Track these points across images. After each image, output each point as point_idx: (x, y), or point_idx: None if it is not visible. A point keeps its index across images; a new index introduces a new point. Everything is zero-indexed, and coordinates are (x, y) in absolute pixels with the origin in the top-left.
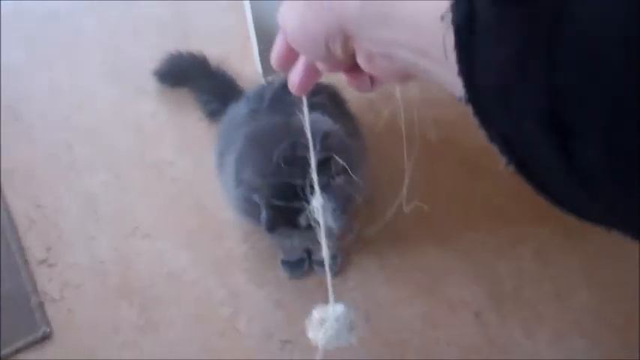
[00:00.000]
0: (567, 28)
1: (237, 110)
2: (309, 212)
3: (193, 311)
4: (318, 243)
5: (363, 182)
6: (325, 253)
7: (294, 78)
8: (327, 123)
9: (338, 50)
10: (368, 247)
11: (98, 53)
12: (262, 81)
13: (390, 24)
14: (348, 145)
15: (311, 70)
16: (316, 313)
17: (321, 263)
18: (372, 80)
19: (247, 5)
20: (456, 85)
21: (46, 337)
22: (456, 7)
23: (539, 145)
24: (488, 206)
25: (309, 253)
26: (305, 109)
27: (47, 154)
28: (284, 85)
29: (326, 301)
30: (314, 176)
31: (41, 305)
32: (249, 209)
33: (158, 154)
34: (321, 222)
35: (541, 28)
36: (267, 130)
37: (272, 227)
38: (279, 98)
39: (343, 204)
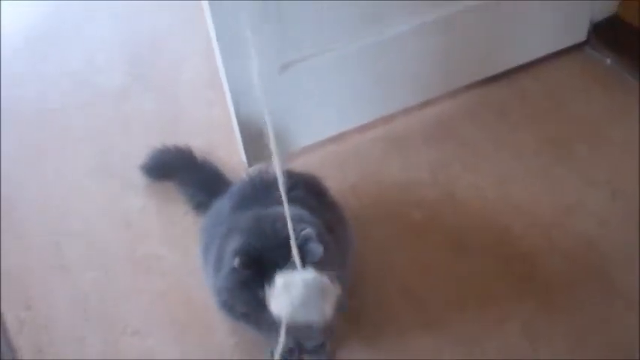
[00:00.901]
0: None
1: (221, 206)
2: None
3: None
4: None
5: (347, 270)
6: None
7: None
8: (304, 216)
9: None
10: (357, 332)
11: (87, 150)
12: (247, 170)
13: None
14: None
15: None
16: (280, 278)
17: (311, 351)
18: None
19: (229, 99)
20: None
21: None
22: None
23: None
24: (474, 285)
25: (298, 342)
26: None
27: (37, 254)
28: (264, 180)
29: None
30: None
31: None
32: (229, 301)
33: (147, 249)
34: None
35: None
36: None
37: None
38: (260, 193)
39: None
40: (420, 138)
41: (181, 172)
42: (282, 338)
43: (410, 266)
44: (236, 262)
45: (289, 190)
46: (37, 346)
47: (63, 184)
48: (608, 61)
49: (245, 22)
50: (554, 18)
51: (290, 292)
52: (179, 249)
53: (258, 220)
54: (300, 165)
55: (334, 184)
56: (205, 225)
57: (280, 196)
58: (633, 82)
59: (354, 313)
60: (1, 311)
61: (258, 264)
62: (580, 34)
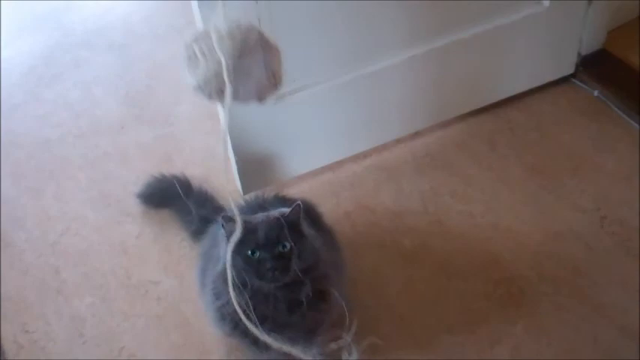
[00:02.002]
0: None
1: (217, 231)
2: None
3: None
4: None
5: (341, 293)
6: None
7: None
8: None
9: None
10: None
11: (85, 179)
12: (242, 199)
13: None
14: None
15: None
16: (187, 38)
17: None
18: None
19: (225, 130)
20: None
21: None
22: None
23: None
24: (464, 309)
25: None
26: None
27: (36, 279)
28: (260, 206)
29: None
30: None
31: None
32: (230, 322)
33: (143, 275)
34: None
35: None
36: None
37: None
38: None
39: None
40: (412, 167)
41: (177, 200)
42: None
43: (401, 291)
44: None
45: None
46: None
47: (61, 212)
48: (596, 93)
49: None
50: (542, 51)
51: (212, 50)
52: (175, 275)
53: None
54: (294, 192)
55: (328, 211)
56: (202, 250)
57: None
58: (620, 114)
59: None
60: (0, 334)
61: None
62: (568, 67)
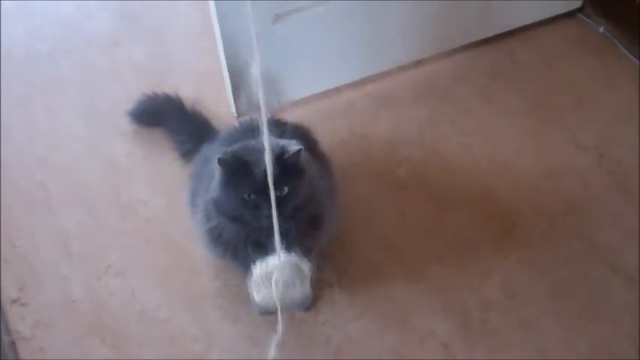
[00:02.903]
0: None
1: (209, 151)
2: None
3: (166, 348)
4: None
5: (332, 221)
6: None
7: None
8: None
9: None
10: (339, 282)
11: (75, 94)
12: (235, 121)
13: None
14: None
15: None
16: (257, 269)
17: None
18: None
19: (221, 49)
20: None
21: None
22: None
23: None
24: (456, 240)
25: None
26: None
27: (23, 193)
28: (254, 128)
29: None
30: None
31: (13, 344)
32: (220, 245)
33: (133, 194)
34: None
35: None
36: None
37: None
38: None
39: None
40: (411, 96)
41: (169, 119)
42: (279, 327)
43: (394, 221)
44: (221, 154)
45: (279, 137)
46: (20, 284)
47: (50, 127)
48: (602, 29)
49: None
50: None
51: (270, 281)
52: (165, 195)
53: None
54: (290, 117)
55: (324, 137)
56: (193, 171)
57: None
58: (625, 51)
59: (336, 264)
60: None
61: (241, 163)
62: (574, 2)
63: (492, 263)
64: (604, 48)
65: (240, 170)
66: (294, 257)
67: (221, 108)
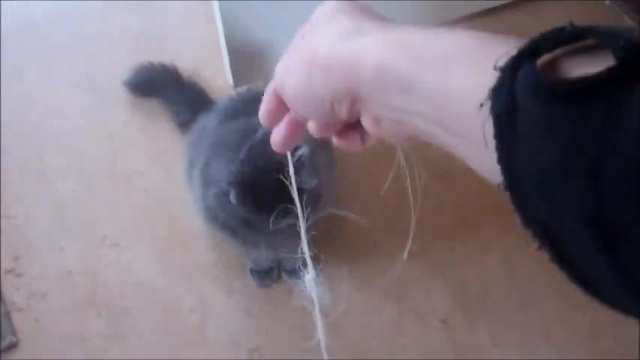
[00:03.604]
0: (615, 139)
1: (207, 122)
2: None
3: (162, 320)
4: (286, 251)
5: (331, 194)
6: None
7: (279, 134)
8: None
9: (343, 111)
10: (337, 257)
11: (71, 63)
12: (233, 92)
13: (409, 94)
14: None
15: (296, 127)
16: None
17: (290, 272)
18: (363, 138)
19: (218, 18)
20: (482, 162)
21: (12, 346)
22: (496, 96)
23: (581, 241)
24: (457, 215)
25: (278, 261)
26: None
27: (18, 162)
28: (252, 99)
29: (294, 308)
30: (305, 248)
31: (8, 314)
32: (218, 218)
33: (129, 164)
34: (315, 297)
35: (589, 134)
36: (232, 129)
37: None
38: (247, 111)
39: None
40: None
41: (166, 89)
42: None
43: (395, 194)
44: (232, 196)
45: None
46: (14, 254)
47: (45, 95)
48: (607, 2)
49: None
50: None
51: None
52: (162, 165)
53: (249, 144)
54: None
55: None
56: (191, 141)
57: None
58: (632, 22)
59: (335, 237)
60: None
61: (253, 191)
62: None
63: (493, 238)
64: (610, 20)
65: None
66: None
67: (218, 78)
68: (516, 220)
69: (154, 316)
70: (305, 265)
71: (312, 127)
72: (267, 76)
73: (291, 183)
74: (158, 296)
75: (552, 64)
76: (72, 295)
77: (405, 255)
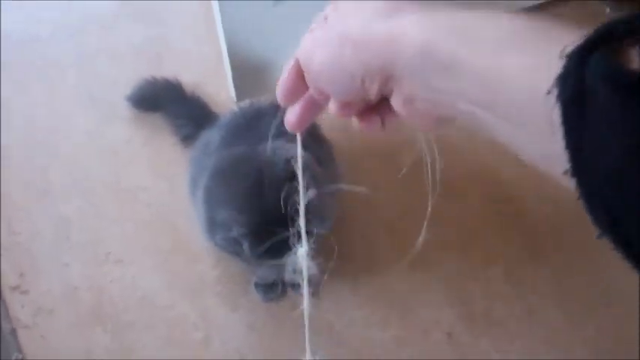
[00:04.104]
0: None
1: (210, 137)
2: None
3: (166, 335)
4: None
5: (332, 208)
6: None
7: (294, 114)
8: (292, 149)
9: (374, 88)
10: (341, 270)
11: (74, 79)
12: (235, 106)
13: (454, 74)
14: (314, 170)
15: (312, 107)
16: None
17: (295, 286)
18: (383, 122)
19: (221, 32)
20: (531, 146)
21: None
22: (563, 83)
23: None
24: (460, 229)
25: (282, 275)
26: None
27: (22, 179)
28: (255, 113)
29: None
30: (301, 223)
31: (13, 332)
32: (226, 244)
33: (133, 179)
34: (304, 270)
35: None
36: (233, 163)
37: (259, 255)
38: (251, 126)
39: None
40: None
41: (169, 104)
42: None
43: (397, 206)
44: (245, 247)
45: (280, 123)
46: (20, 271)
47: (49, 111)
48: (608, 10)
49: None
50: None
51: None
52: (165, 180)
53: (256, 178)
54: None
55: (325, 122)
56: (194, 156)
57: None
58: None
59: (339, 251)
60: None
61: (266, 239)
62: None
63: (496, 251)
64: None
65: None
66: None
67: (221, 92)
68: (518, 231)
69: (158, 331)
70: (299, 239)
71: (332, 106)
72: (269, 90)
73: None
74: (162, 311)
75: (620, 53)
76: (77, 311)
77: (420, 242)
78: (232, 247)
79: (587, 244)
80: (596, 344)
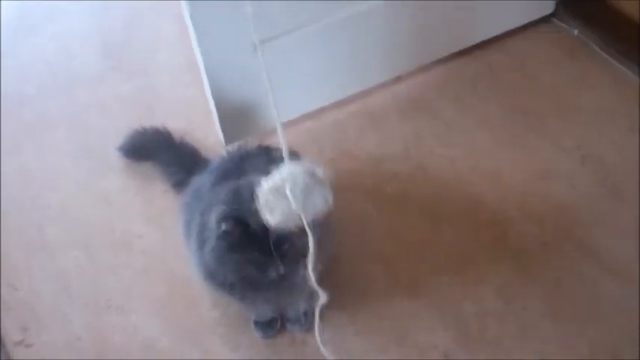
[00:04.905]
0: None
1: (200, 182)
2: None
3: None
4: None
5: (328, 245)
6: None
7: None
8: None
9: None
10: (338, 301)
11: (66, 133)
12: (224, 150)
13: None
14: None
15: None
16: (265, 186)
17: (293, 320)
18: None
19: (205, 79)
20: None
21: None
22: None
23: None
24: (450, 251)
25: (280, 312)
26: None
27: (19, 235)
28: (243, 156)
29: (299, 357)
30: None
31: None
32: (217, 275)
33: (127, 228)
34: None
35: None
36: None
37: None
38: (240, 169)
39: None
40: (394, 112)
41: (159, 152)
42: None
43: (386, 236)
44: (224, 226)
45: (269, 164)
46: (23, 325)
47: (42, 167)
48: (576, 32)
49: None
50: None
51: (283, 195)
52: (159, 227)
53: (236, 189)
54: (276, 142)
55: (312, 158)
56: (186, 201)
57: (258, 170)
58: (600, 52)
59: (334, 283)
60: None
61: (244, 226)
62: (547, 7)
63: (487, 271)
64: (579, 50)
65: (242, 232)
66: (303, 163)
67: (210, 137)
68: (507, 250)
69: None
70: None
71: None
72: (256, 131)
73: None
74: (164, 355)
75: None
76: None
77: None
78: (221, 261)
79: (575, 260)
80: (591, 356)
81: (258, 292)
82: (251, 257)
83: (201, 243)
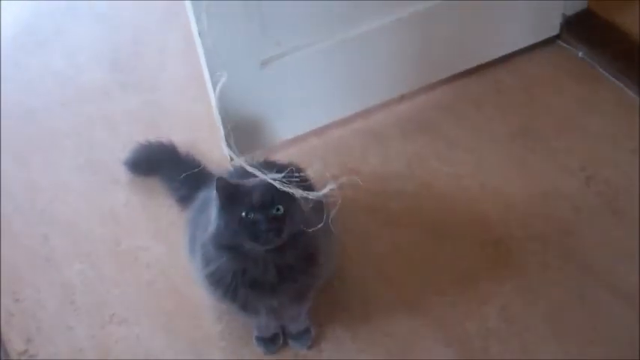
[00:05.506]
0: None
1: (205, 197)
2: None
3: None
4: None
5: (329, 259)
6: None
7: None
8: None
9: None
10: (340, 318)
11: (72, 147)
12: (229, 164)
13: None
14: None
15: None
16: None
17: (295, 336)
18: None
19: (211, 94)
20: None
21: None
22: None
23: None
24: (452, 270)
25: (282, 328)
26: None
27: (25, 247)
28: (246, 171)
29: None
30: None
31: None
32: (220, 288)
33: (132, 242)
34: None
35: None
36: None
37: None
38: None
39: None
40: (398, 131)
41: (165, 166)
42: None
43: (390, 254)
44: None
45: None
46: (26, 336)
47: (49, 180)
48: (580, 53)
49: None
50: (527, 12)
51: None
52: (164, 241)
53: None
54: (282, 157)
55: (316, 175)
56: (191, 216)
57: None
58: (605, 74)
59: (336, 300)
60: None
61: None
62: (553, 28)
63: (490, 291)
64: (584, 72)
65: (236, 194)
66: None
67: (215, 151)
68: (510, 270)
69: None
70: None
71: None
72: (261, 146)
73: None
74: None
75: None
76: None
77: None
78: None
79: (578, 281)
80: None
81: (261, 296)
82: (246, 222)
83: (205, 255)
